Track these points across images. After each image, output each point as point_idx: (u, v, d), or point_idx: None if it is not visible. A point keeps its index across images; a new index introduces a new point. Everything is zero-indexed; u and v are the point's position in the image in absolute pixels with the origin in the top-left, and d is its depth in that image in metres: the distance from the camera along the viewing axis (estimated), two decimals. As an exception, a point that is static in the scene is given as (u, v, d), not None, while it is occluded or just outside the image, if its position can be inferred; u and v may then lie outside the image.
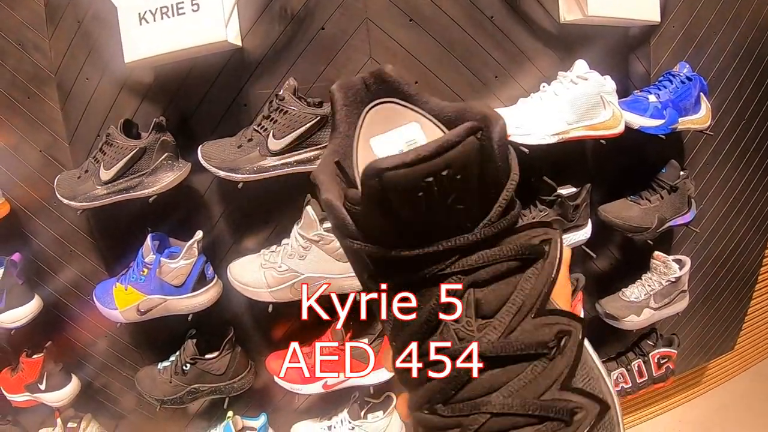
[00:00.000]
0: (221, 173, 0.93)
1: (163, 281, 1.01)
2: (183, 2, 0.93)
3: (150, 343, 1.15)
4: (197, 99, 1.01)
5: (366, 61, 1.03)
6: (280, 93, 0.93)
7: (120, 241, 1.10)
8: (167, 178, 0.97)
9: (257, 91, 1.00)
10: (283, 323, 1.12)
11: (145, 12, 0.94)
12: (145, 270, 1.01)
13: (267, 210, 1.04)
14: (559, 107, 1.05)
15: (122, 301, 1.04)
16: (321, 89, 1.00)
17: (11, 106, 1.12)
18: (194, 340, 1.08)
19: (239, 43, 0.99)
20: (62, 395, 1.21)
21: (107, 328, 1.17)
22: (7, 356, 1.30)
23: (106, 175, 0.97)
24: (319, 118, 0.90)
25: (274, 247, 1.01)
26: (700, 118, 1.24)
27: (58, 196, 1.01)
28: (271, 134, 0.93)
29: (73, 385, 1.21)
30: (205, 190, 1.04)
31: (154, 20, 0.94)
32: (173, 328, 1.09)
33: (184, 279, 1.01)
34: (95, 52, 1.05)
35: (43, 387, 1.19)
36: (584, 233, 1.12)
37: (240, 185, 0.93)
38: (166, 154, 0.97)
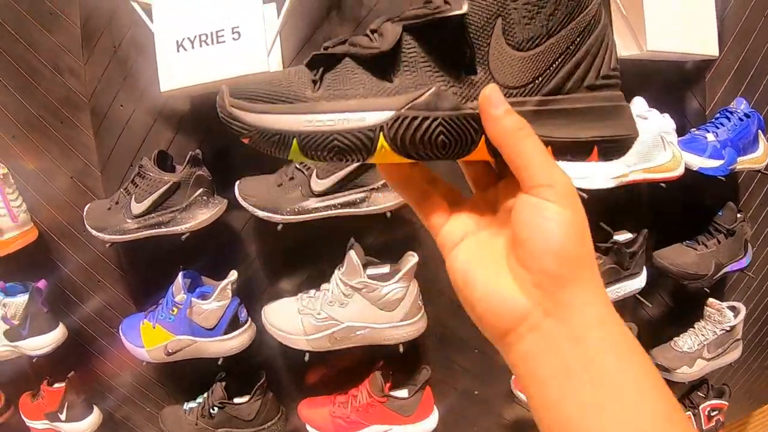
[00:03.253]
0: (260, 213, 0.82)
1: (194, 322, 0.89)
2: (223, 30, 0.82)
3: (177, 381, 1.04)
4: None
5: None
6: None
7: (149, 275, 0.98)
8: (202, 215, 0.85)
9: None
10: (318, 369, 0.99)
11: (183, 39, 0.83)
12: (175, 309, 0.89)
13: (306, 252, 0.91)
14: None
15: (149, 340, 0.92)
16: None
17: (43, 130, 1.01)
18: (223, 383, 0.96)
19: None
20: (82, 427, 1.09)
21: (133, 362, 1.05)
22: (29, 381, 1.19)
23: (137, 208, 0.86)
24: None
25: (312, 292, 0.89)
26: (757, 156, 1.10)
27: (87, 226, 0.90)
28: (314, 174, 0.81)
29: (94, 418, 1.09)
30: (241, 227, 0.92)
31: (193, 48, 0.83)
32: (202, 368, 0.97)
33: (216, 321, 0.89)
34: (131, 79, 0.94)
35: (63, 417, 1.08)
36: (639, 281, 0.98)
37: (279, 227, 0.82)
38: (201, 189, 0.85)
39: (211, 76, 0.82)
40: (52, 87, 1.00)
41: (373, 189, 0.81)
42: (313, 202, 0.81)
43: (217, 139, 0.90)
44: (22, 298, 1.00)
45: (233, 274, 0.89)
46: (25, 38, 1.02)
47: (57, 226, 1.03)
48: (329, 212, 0.81)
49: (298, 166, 0.81)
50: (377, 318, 0.86)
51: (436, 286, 0.94)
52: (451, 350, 0.98)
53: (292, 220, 0.81)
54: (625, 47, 0.98)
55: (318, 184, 0.80)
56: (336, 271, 0.87)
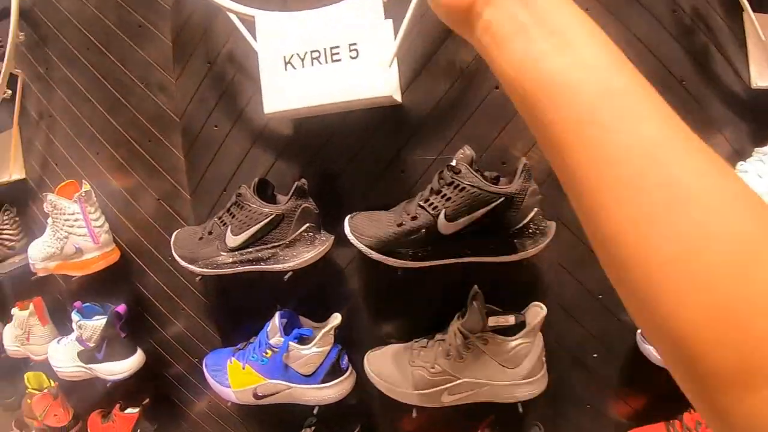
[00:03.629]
0: (374, 255, 0.71)
1: (290, 367, 0.80)
2: (339, 47, 0.71)
3: (262, 422, 0.94)
4: (344, 161, 0.80)
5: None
6: (455, 164, 0.70)
7: (239, 308, 0.89)
8: (306, 253, 0.75)
9: (417, 157, 0.78)
10: (423, 424, 0.88)
11: (292, 56, 0.73)
12: (269, 352, 0.80)
13: (421, 295, 0.81)
14: (765, 191, 0.79)
15: (237, 381, 0.83)
16: (493, 159, 0.77)
17: (130, 148, 0.93)
18: (313, 429, 0.86)
19: (399, 99, 0.77)
20: (153, 457, 1.01)
21: (215, 396, 0.96)
22: (100, 399, 1.12)
23: (233, 241, 0.77)
24: (502, 199, 0.67)
25: (425, 341, 0.78)
26: None
27: (176, 255, 0.81)
28: (443, 214, 0.70)
29: (166, 449, 1.01)
30: (345, 264, 0.82)
31: (303, 66, 0.72)
32: (292, 411, 0.87)
33: (315, 368, 0.79)
34: (227, 98, 0.85)
35: (133, 445, 1.00)
36: None
37: (400, 272, 0.71)
38: (307, 224, 0.75)
39: (325, 98, 0.71)
40: (140, 103, 0.91)
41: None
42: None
43: (323, 168, 0.80)
44: (99, 322, 0.93)
45: (336, 318, 0.79)
46: (113, 52, 0.94)
47: (140, 248, 0.95)
48: (457, 259, 0.70)
49: (422, 203, 0.70)
50: (498, 375, 0.75)
51: (551, 339, 0.82)
52: (565, 406, 0.86)
53: (414, 265, 0.70)
54: (760, 76, 0.85)
55: (447, 226, 0.69)
56: (455, 321, 0.76)
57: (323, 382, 0.80)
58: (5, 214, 1.06)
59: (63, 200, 0.90)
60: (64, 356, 0.99)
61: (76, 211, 0.90)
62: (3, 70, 1.01)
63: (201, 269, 0.78)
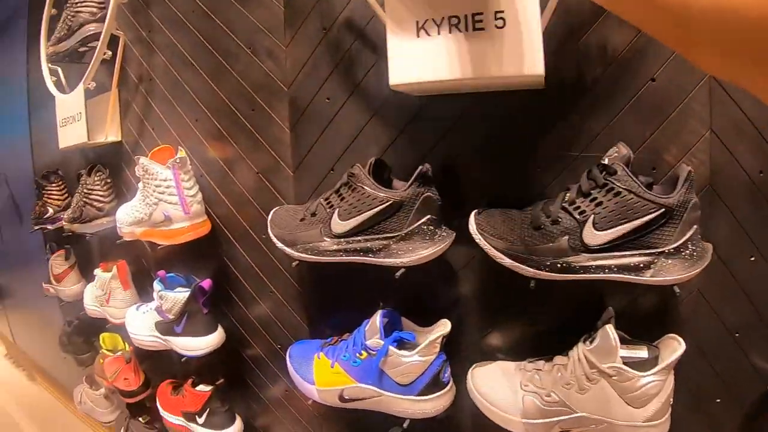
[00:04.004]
0: (508, 261, 0.59)
1: (386, 374, 0.69)
2: (483, 14, 0.58)
3: (340, 422, 0.85)
4: (471, 148, 0.67)
5: (704, 134, 0.63)
6: (608, 163, 0.57)
7: (333, 299, 0.80)
8: (423, 249, 0.64)
9: (560, 152, 0.64)
10: None
11: (426, 21, 0.60)
12: (365, 354, 0.70)
13: (542, 310, 0.68)
14: None
15: (323, 379, 0.73)
16: (643, 163, 0.62)
17: (232, 117, 0.85)
18: (394, 439, 0.75)
19: (542, 82, 0.64)
20: (219, 437, 0.94)
21: (293, 387, 0.88)
22: (172, 369, 1.07)
23: (340, 226, 0.67)
24: (661, 211, 0.53)
25: (542, 363, 0.65)
26: None
27: (272, 236, 0.72)
28: (591, 221, 0.57)
29: (233, 430, 0.94)
30: (461, 265, 0.70)
31: (438, 33, 0.60)
32: (375, 418, 0.76)
33: (414, 378, 0.68)
34: (343, 68, 0.75)
35: (201, 421, 0.94)
36: None
37: (532, 284, 0.59)
38: (428, 216, 0.64)
39: (464, 71, 0.59)
40: (246, 70, 0.83)
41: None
42: (585, 259, 0.57)
43: (445, 154, 0.68)
44: (182, 295, 0.86)
45: (445, 325, 0.68)
46: (220, 16, 0.86)
47: (233, 223, 0.88)
48: (603, 275, 0.57)
49: (566, 206, 0.57)
50: (620, 413, 0.61)
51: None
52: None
53: (554, 277, 0.58)
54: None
55: (594, 237, 0.55)
56: (580, 345, 0.62)
57: (421, 394, 0.69)
58: (97, 174, 1.02)
59: (155, 165, 0.84)
60: (141, 324, 0.95)
61: (168, 178, 0.83)
62: (104, 30, 0.96)
63: (299, 254, 0.69)
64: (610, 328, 0.59)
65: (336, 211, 0.67)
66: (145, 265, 1.07)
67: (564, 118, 0.64)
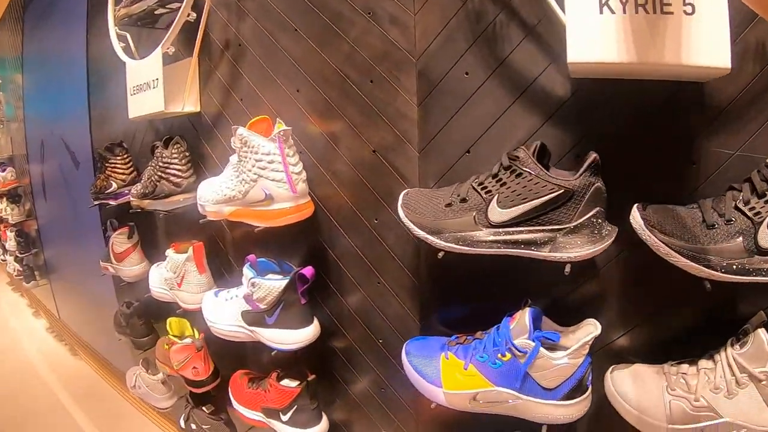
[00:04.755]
0: (683, 261, 0.49)
1: (531, 377, 0.59)
2: None
3: (436, 420, 0.75)
4: (626, 138, 0.57)
5: None
6: None
7: (454, 291, 0.69)
8: (591, 245, 0.53)
9: (714, 149, 0.54)
10: None
11: None
12: (509, 355, 0.59)
13: (680, 309, 0.58)
14: None
15: (453, 381, 0.63)
16: None
17: (344, 88, 0.73)
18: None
19: (723, 74, 0.53)
20: (304, 436, 0.84)
21: (398, 386, 0.77)
22: (243, 358, 0.96)
23: (499, 215, 0.56)
24: None
25: (686, 367, 0.56)
26: None
27: (408, 222, 0.60)
28: (766, 223, 0.48)
29: (318, 430, 0.84)
30: (604, 263, 0.60)
31: (624, 12, 0.51)
32: (479, 415, 0.67)
33: (561, 382, 0.59)
34: (486, 41, 0.63)
35: (285, 418, 0.83)
36: None
37: (708, 286, 0.49)
38: (597, 209, 0.54)
39: (649, 56, 0.50)
40: (363, 37, 0.71)
41: None
42: (761, 261, 0.48)
43: (596, 142, 0.58)
44: (279, 283, 0.74)
45: (596, 326, 0.58)
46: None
47: (337, 205, 0.76)
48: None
49: (741, 206, 0.48)
50: (764, 419, 0.53)
51: None
52: None
53: (721, 278, 0.48)
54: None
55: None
56: (729, 348, 0.54)
57: (564, 398, 0.60)
58: (174, 147, 0.89)
59: (258, 137, 0.72)
60: (223, 312, 0.83)
61: (273, 152, 0.71)
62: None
63: (447, 244, 0.58)
64: (763, 332, 0.51)
65: (495, 198, 0.56)
66: (221, 248, 0.94)
67: (723, 114, 0.55)
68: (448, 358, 0.65)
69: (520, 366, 0.59)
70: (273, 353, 0.79)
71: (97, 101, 1.34)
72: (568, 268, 0.55)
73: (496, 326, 0.63)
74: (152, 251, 1.09)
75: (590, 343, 0.58)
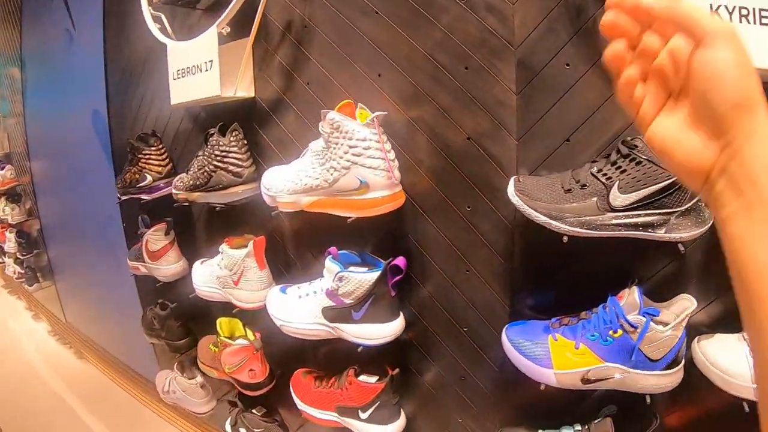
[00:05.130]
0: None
1: (640, 351, 0.62)
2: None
3: (514, 404, 0.75)
4: None
5: None
6: None
7: (546, 277, 0.70)
8: (697, 227, 0.57)
9: None
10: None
11: (720, 6, 0.55)
12: (620, 332, 0.61)
13: None
14: None
15: (563, 361, 0.64)
16: None
17: (435, 74, 0.71)
18: (610, 418, 0.69)
19: None
20: (384, 432, 0.81)
21: (472, 370, 0.76)
22: (303, 357, 0.90)
23: (620, 199, 0.58)
24: None
25: None
26: None
27: (527, 208, 0.60)
28: (616, 186, 0.55)
29: (398, 426, 0.81)
30: (689, 243, 0.63)
31: (730, 20, 0.55)
32: (557, 398, 0.69)
33: (665, 353, 0.62)
34: (586, 35, 0.64)
35: (364, 416, 0.80)
36: None
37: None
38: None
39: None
40: (456, 24, 0.69)
41: None
42: None
43: None
44: (370, 276, 0.71)
45: (690, 301, 0.62)
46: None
47: (424, 193, 0.73)
48: None
49: None
50: None
51: None
52: None
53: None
54: None
55: None
56: None
57: (665, 368, 0.63)
58: (232, 134, 0.80)
59: (352, 122, 0.67)
60: (298, 310, 0.77)
61: (368, 137, 0.67)
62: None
63: (571, 228, 0.59)
64: None
65: (616, 184, 0.58)
66: (278, 241, 0.87)
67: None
68: (556, 339, 0.66)
69: (631, 341, 0.61)
70: (360, 350, 0.74)
71: (116, 92, 1.20)
72: (682, 248, 0.58)
73: (601, 305, 0.65)
74: (187, 248, 0.98)
75: (690, 315, 0.62)
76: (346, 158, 0.68)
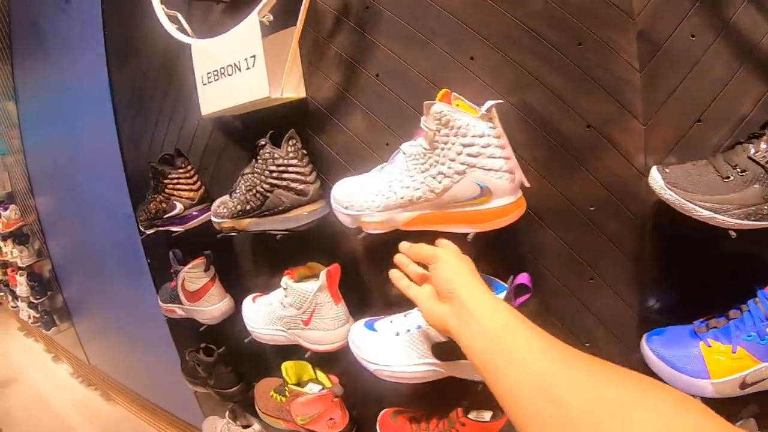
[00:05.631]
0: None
1: (803, 345, 0.55)
2: None
3: None
4: None
5: None
6: None
7: (684, 275, 0.61)
8: None
9: None
10: None
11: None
12: (781, 327, 0.54)
13: None
14: None
15: (721, 368, 0.56)
16: None
17: (542, 53, 0.60)
18: (753, 420, 0.62)
19: None
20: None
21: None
22: (382, 396, 0.76)
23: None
24: None
25: None
26: None
27: (685, 202, 0.51)
28: None
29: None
30: None
31: None
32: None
33: (823, 343, 0.56)
34: (710, 1, 0.55)
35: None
36: None
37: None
38: None
39: None
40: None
41: None
42: None
43: None
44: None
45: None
46: None
47: (538, 194, 0.61)
48: None
49: None
50: None
51: None
52: None
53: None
54: None
55: None
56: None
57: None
58: (289, 144, 0.63)
59: (466, 115, 0.53)
60: (396, 350, 0.62)
61: (486, 133, 0.54)
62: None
63: (739, 221, 0.50)
64: None
65: (777, 170, 0.49)
66: (348, 266, 0.71)
67: None
68: (710, 346, 0.57)
69: (793, 336, 0.54)
70: (480, 387, 0.62)
71: (126, 112, 1.00)
72: None
73: (751, 300, 0.58)
74: (229, 284, 0.80)
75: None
76: (461, 160, 0.54)
